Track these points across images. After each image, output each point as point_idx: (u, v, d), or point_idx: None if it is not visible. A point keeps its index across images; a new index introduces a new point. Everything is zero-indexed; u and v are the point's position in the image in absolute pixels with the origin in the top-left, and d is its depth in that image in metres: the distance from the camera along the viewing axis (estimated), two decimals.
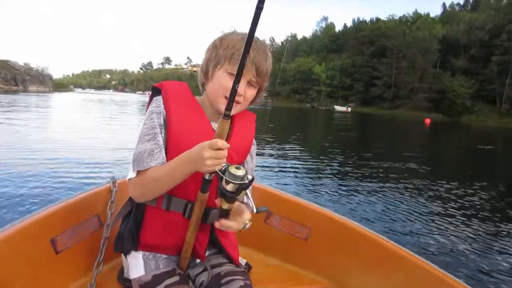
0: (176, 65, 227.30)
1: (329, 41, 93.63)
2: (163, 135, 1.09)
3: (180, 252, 1.16)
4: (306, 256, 1.70)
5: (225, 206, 1.01)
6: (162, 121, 1.10)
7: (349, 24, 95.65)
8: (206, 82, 1.17)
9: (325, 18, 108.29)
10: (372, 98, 71.98)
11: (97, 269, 1.36)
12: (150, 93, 1.19)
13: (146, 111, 1.15)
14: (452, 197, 5.74)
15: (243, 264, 1.38)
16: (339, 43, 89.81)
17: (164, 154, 1.07)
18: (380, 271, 1.55)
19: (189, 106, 1.13)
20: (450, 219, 4.56)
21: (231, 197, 0.97)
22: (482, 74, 60.39)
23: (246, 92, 1.14)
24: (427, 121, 33.51)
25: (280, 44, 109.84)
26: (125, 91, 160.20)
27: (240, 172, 0.94)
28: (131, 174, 1.07)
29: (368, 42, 78.74)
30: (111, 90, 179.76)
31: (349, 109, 63.38)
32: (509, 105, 56.93)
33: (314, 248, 1.57)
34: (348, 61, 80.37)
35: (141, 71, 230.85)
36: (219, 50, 1.12)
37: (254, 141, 1.29)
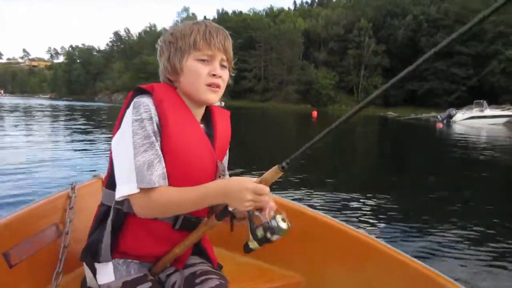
0: (9, 59, 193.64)
1: None
2: (159, 143, 1.02)
3: (156, 260, 1.13)
4: (277, 251, 1.59)
5: (253, 245, 0.99)
6: (155, 128, 1.01)
7: (211, 15, 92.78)
8: (176, 78, 1.10)
9: (186, 9, 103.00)
10: (242, 91, 70.67)
11: (56, 281, 1.30)
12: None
13: (123, 115, 1.04)
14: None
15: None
16: None
17: (163, 164, 1.01)
18: (350, 262, 1.56)
19: (181, 110, 1.08)
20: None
21: (266, 242, 0.97)
22: (340, 66, 64.87)
23: (222, 74, 1.10)
24: (314, 113, 32.64)
25: (137, 36, 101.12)
26: None
27: (285, 226, 0.96)
28: (131, 190, 0.98)
29: (235, 34, 76.09)
30: None
31: (223, 104, 60.52)
32: (365, 94, 62.20)
33: (284, 243, 1.46)
34: None
35: None
36: (178, 42, 1.07)
37: None
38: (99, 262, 1.10)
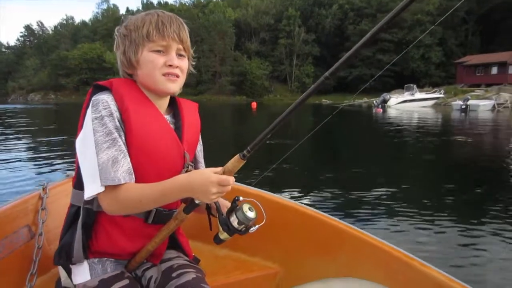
0: None
1: (115, 25, 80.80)
2: (123, 138, 1.00)
3: (132, 257, 1.13)
4: (254, 243, 1.66)
5: (223, 236, 1.00)
6: (117, 124, 1.00)
7: (135, 6, 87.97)
8: (134, 71, 1.09)
9: (106, 0, 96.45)
10: None
11: (30, 283, 1.30)
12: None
13: (84, 114, 1.03)
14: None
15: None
16: None
17: (128, 160, 1.00)
18: (327, 250, 1.59)
19: (142, 103, 1.06)
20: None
21: (235, 233, 0.98)
22: (273, 56, 65.06)
23: (180, 64, 1.09)
24: (254, 105, 32.08)
25: (52, 29, 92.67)
26: None
27: (253, 215, 0.97)
28: (98, 189, 0.96)
29: None
30: None
31: None
32: (298, 83, 63.35)
33: (261, 234, 1.51)
34: None
35: None
36: (132, 35, 1.05)
37: None
38: (72, 262, 1.08)
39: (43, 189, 1.54)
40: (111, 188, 0.96)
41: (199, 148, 1.27)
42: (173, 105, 1.18)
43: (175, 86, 1.09)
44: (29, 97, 68.73)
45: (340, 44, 61.12)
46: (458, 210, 4.41)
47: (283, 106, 36.83)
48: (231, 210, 0.98)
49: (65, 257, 1.08)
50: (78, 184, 1.06)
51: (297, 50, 62.60)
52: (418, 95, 32.32)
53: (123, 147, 0.99)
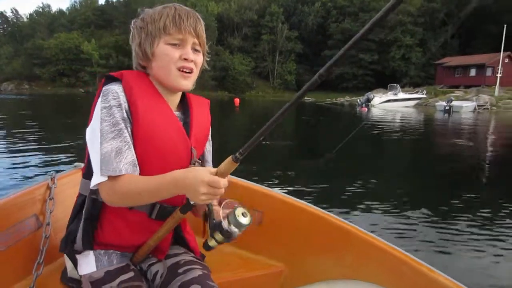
0: None
1: (93, 15, 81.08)
2: (129, 130, 1.01)
3: (136, 249, 1.13)
4: (260, 241, 1.68)
5: (212, 243, 0.95)
6: (125, 115, 1.00)
7: None
8: (148, 64, 1.09)
9: None
10: None
11: (37, 272, 1.31)
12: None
13: (95, 104, 1.03)
14: None
15: None
16: (106, 18, 78.96)
17: (133, 151, 1.01)
18: (333, 251, 1.58)
19: (151, 95, 1.06)
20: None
21: (225, 238, 0.93)
22: (255, 52, 64.64)
23: (195, 59, 1.09)
24: (237, 101, 31.68)
25: (27, 17, 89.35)
26: None
27: (246, 221, 0.91)
28: (100, 178, 0.97)
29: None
30: None
31: None
32: (280, 80, 63.25)
33: (267, 232, 1.58)
34: (123, 38, 71.15)
35: None
36: (148, 27, 1.05)
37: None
38: (78, 253, 1.10)
39: (51, 179, 1.55)
40: (111, 178, 0.96)
41: (209, 148, 1.25)
42: (184, 101, 1.17)
43: (188, 83, 1.08)
44: (1, 86, 65.84)
45: (322, 42, 61.35)
46: (432, 205, 4.51)
47: (265, 103, 36.74)
48: (224, 215, 0.93)
49: (71, 245, 1.10)
50: (88, 173, 1.05)
51: (280, 46, 62.42)
52: (401, 95, 32.64)
53: (129, 139, 0.99)
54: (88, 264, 1.09)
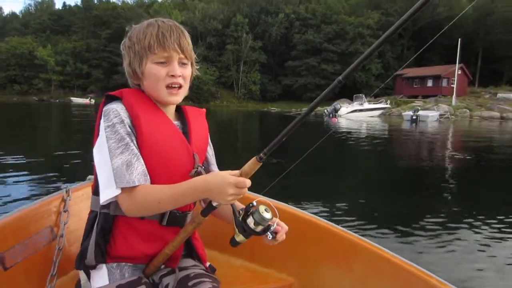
0: None
1: (49, 20, 77.80)
2: (134, 143, 1.05)
3: (149, 260, 1.14)
4: (270, 254, 1.65)
5: (239, 238, 1.01)
6: (128, 129, 1.05)
7: (72, 2, 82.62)
8: (140, 82, 1.14)
9: None
10: (115, 87, 63.29)
11: (51, 284, 1.32)
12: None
13: (99, 124, 1.08)
14: None
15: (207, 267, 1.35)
16: (63, 23, 76.02)
17: (142, 162, 1.05)
18: (341, 263, 1.58)
19: (151, 109, 1.12)
20: None
21: (252, 234, 0.99)
22: (220, 61, 64.43)
23: (183, 72, 1.12)
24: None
25: None
26: None
27: (269, 215, 0.97)
28: (113, 191, 1.01)
29: (102, 23, 69.50)
30: None
31: (92, 101, 54.04)
32: (244, 90, 63.28)
33: (277, 245, 1.52)
34: (82, 44, 68.63)
35: None
36: (135, 47, 1.09)
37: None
38: (92, 267, 1.12)
39: (66, 191, 1.58)
40: (128, 190, 1.01)
41: (211, 152, 1.30)
42: (180, 111, 1.23)
43: (177, 98, 1.13)
44: None
45: (286, 53, 62.25)
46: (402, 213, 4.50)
47: (230, 113, 36.20)
48: (246, 212, 0.99)
49: (85, 263, 1.12)
50: (96, 190, 1.09)
51: (245, 56, 62.61)
52: (367, 105, 33.39)
53: (136, 151, 1.04)
54: (101, 277, 1.10)
